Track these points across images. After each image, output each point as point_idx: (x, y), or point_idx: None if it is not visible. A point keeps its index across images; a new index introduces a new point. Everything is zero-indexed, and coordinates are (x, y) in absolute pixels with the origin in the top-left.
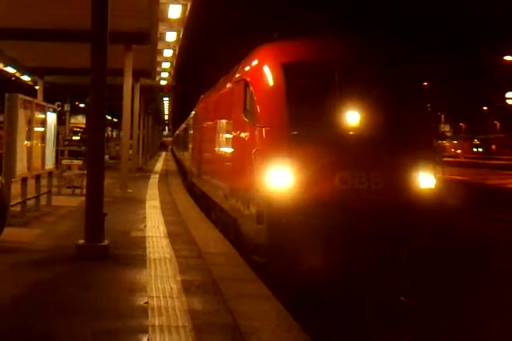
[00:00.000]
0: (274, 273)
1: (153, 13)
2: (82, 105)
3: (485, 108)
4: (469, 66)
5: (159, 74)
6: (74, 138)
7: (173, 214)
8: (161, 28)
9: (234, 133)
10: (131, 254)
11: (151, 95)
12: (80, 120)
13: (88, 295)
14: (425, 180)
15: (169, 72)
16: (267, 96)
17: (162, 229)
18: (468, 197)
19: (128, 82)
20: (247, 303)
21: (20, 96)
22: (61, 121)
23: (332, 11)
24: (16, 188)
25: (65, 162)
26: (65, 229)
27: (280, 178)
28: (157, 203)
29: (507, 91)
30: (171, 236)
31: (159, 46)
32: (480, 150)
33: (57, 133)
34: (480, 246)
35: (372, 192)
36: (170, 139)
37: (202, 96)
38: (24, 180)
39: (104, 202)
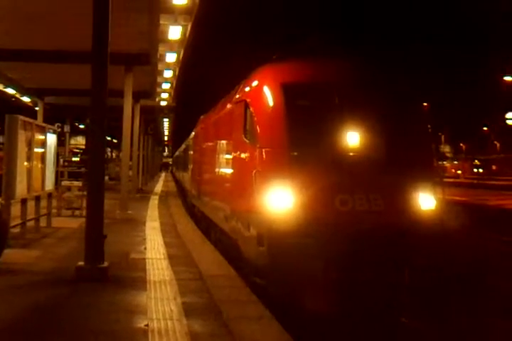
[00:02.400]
0: (275, 295)
1: (154, 35)
2: (82, 126)
3: (485, 128)
4: (469, 86)
5: (159, 95)
6: (74, 159)
7: (173, 235)
8: (161, 49)
9: (234, 154)
10: (131, 276)
11: (151, 116)
12: (80, 141)
13: (88, 318)
14: (426, 201)
15: (169, 93)
16: (267, 117)
17: (162, 250)
18: (469, 218)
19: (128, 102)
20: (248, 325)
21: (21, 117)
22: (61, 142)
23: (331, 31)
24: (15, 209)
25: (64, 183)
26: (64, 251)
27: (280, 200)
28: (157, 224)
29: (507, 112)
30: (171, 258)
31: (159, 67)
32: (480, 170)
33: (57, 154)
34: (481, 267)
35: (373, 214)
36: (170, 160)
37: (202, 117)
38: (24, 201)
39: (104, 223)
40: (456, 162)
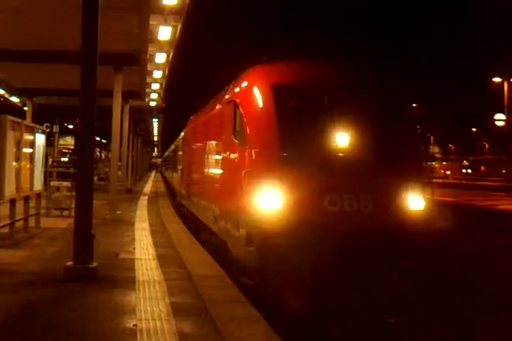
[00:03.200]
0: (264, 296)
1: (143, 35)
2: (71, 126)
3: (474, 129)
4: (459, 87)
5: (149, 95)
6: (62, 159)
7: (163, 236)
8: (151, 49)
9: (223, 155)
10: (120, 276)
11: (140, 116)
12: (69, 141)
13: (76, 318)
14: (415, 201)
15: (159, 93)
16: (257, 118)
17: (151, 251)
18: (457, 219)
19: (117, 103)
20: (237, 326)
21: (9, 117)
22: (50, 143)
23: (322, 31)
24: (4, 210)
25: (53, 183)
26: (53, 251)
27: (270, 200)
28: (146, 225)
29: (496, 113)
30: (160, 258)
31: (149, 67)
32: (469, 171)
33: (46, 155)
34: (469, 267)
35: (362, 214)
36: (159, 160)
37: (191, 117)
38: (12, 201)
39: (92, 223)
40: (445, 163)
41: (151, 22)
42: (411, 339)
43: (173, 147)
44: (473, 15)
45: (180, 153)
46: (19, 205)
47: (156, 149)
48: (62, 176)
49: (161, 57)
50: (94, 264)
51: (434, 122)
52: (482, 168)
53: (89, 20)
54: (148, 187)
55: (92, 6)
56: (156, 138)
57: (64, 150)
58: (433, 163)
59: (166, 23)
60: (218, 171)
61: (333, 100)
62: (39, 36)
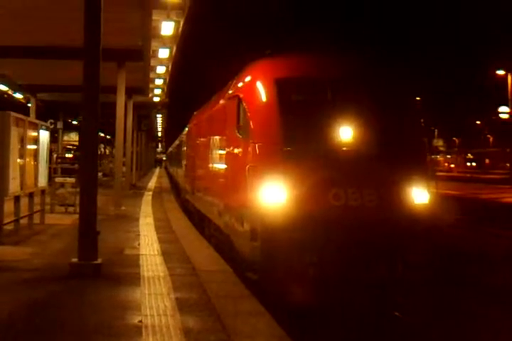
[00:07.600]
0: (268, 290)
1: (146, 30)
2: (75, 122)
3: (478, 122)
4: (462, 80)
5: (152, 90)
6: (67, 155)
7: (167, 231)
8: (154, 44)
9: (227, 150)
10: (124, 272)
11: (144, 112)
12: (73, 137)
13: (82, 314)
14: (419, 195)
15: (162, 89)
16: (260, 112)
17: (156, 246)
18: (462, 212)
19: (121, 99)
20: (242, 321)
21: (13, 114)
22: (54, 139)
23: (324, 27)
24: (8, 206)
25: (58, 180)
26: (58, 248)
27: (274, 195)
28: (151, 220)
29: (500, 106)
30: (165, 254)
31: (152, 63)
32: (473, 164)
33: (50, 151)
34: (474, 261)
35: (366, 208)
36: (163, 156)
37: (195, 112)
38: (17, 198)
39: (97, 219)
40: (449, 156)
41: (153, 17)
42: (416, 333)
43: (177, 142)
44: (481, 9)
45: (185, 148)
46: (24, 202)
47: (160, 145)
48: (66, 172)
49: (164, 53)
50: (99, 260)
51: (437, 115)
52: (486, 161)
53: (92, 16)
54: (152, 183)
55: (95, 1)
56: (160, 134)
57: (68, 147)
58: (437, 156)
59: (168, 18)
60: (222, 166)
61: (336, 94)
62: (42, 32)
